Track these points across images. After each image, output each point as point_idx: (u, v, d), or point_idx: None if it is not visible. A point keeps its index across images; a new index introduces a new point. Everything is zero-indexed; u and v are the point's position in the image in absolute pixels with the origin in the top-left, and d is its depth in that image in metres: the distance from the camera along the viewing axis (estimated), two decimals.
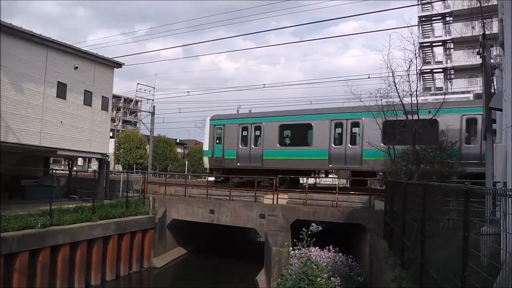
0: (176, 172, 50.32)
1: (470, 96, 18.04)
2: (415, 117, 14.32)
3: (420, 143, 15.23)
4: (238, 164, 23.29)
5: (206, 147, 25.04)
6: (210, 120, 25.25)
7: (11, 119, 16.80)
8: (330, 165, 20.77)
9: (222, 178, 25.29)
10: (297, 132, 22.49)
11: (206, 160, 25.18)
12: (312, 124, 21.31)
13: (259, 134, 22.97)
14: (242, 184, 22.18)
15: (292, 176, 22.90)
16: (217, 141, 24.33)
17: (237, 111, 33.33)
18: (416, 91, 14.99)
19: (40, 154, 21.73)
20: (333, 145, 20.52)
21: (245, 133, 23.42)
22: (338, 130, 20.54)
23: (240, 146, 23.41)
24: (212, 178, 28.51)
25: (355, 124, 20.03)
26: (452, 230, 5.72)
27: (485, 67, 10.69)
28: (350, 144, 19.99)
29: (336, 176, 27.67)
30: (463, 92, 26.56)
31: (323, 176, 25.83)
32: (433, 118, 15.46)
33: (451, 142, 15.95)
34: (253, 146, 22.96)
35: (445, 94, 17.26)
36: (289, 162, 21.58)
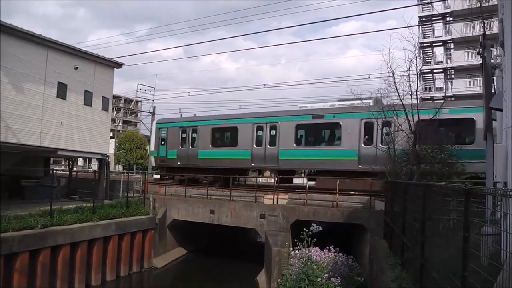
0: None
1: (370, 101, 19.47)
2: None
3: (323, 144, 21.04)
4: (179, 163, 25.54)
5: (152, 147, 27.87)
6: (156, 123, 28.29)
7: (11, 119, 16.82)
8: (253, 164, 22.67)
9: (167, 176, 27.32)
10: (226, 134, 25.03)
11: (152, 159, 28.15)
12: (238, 127, 23.32)
13: (195, 136, 25.20)
14: (182, 182, 23.89)
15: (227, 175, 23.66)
16: (162, 142, 26.74)
17: (181, 115, 36.10)
18: (417, 91, 14.99)
19: (40, 155, 21.75)
20: (255, 146, 22.51)
21: (184, 135, 25.67)
22: (260, 132, 22.56)
23: (180, 147, 25.63)
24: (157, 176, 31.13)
25: (273, 127, 22.05)
26: (453, 230, 5.72)
27: (485, 67, 10.68)
28: (269, 145, 22.01)
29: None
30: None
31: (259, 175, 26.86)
32: (337, 121, 20.15)
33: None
34: (190, 147, 25.20)
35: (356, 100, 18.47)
36: (220, 162, 23.69)
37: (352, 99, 19.13)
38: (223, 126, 24.58)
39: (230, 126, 24.11)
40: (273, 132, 22.09)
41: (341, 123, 20.19)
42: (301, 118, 21.34)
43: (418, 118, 13.93)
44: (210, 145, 24.33)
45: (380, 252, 11.31)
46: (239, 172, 24.18)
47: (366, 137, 19.19)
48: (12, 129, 16.85)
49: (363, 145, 19.18)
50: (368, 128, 19.07)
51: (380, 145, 17.81)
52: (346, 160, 19.28)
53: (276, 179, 21.01)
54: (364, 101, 18.27)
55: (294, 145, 21.36)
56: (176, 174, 25.88)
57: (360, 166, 18.93)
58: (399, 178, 13.69)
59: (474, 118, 16.29)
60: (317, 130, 21.63)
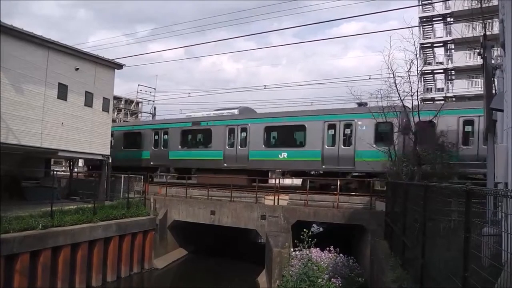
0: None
1: (236, 111, 25.64)
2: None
3: (201, 147, 25.28)
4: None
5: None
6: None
7: (12, 120, 16.82)
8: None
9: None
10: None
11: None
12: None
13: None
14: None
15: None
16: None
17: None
18: (417, 91, 15.01)
19: (40, 156, 21.75)
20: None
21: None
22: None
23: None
24: None
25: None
26: (453, 231, 5.71)
27: (486, 67, 10.67)
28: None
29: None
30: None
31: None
32: (209, 127, 24.77)
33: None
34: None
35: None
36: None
37: (222, 109, 26.41)
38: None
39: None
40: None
41: (211, 129, 24.60)
42: (184, 125, 26.18)
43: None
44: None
45: (381, 252, 11.30)
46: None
47: (230, 141, 23.78)
48: (13, 130, 16.86)
49: (227, 147, 23.76)
50: (232, 133, 23.76)
51: (239, 147, 23.23)
52: (216, 160, 23.93)
53: (276, 181, 21.11)
54: (229, 111, 25.45)
55: (179, 147, 25.86)
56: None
57: (225, 165, 23.59)
58: (399, 179, 13.69)
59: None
60: (196, 134, 26.41)
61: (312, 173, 22.92)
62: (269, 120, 23.41)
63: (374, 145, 18.17)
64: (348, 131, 20.16)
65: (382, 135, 19.27)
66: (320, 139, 20.70)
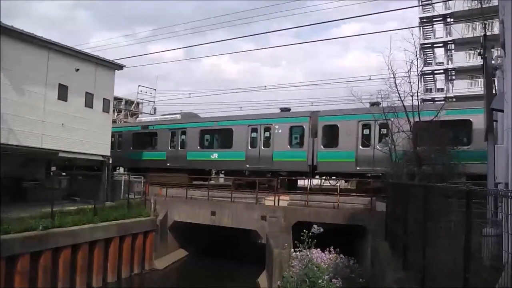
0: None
1: (178, 115, 29.21)
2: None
3: (149, 148, 28.14)
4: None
5: None
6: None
7: (12, 121, 16.81)
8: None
9: None
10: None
11: None
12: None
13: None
14: None
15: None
16: None
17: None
18: (418, 92, 15.01)
19: (41, 156, 21.73)
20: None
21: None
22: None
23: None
24: None
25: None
26: (454, 231, 5.71)
27: (486, 68, 10.68)
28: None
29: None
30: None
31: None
32: (155, 131, 27.81)
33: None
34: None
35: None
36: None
37: (167, 115, 30.63)
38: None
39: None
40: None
41: (157, 132, 27.75)
42: (135, 128, 29.57)
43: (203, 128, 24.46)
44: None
45: (382, 253, 11.29)
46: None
47: (173, 143, 26.67)
48: (13, 131, 16.85)
49: (169, 148, 26.71)
50: (174, 135, 26.71)
51: (179, 149, 26.19)
52: (161, 160, 26.56)
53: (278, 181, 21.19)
54: (173, 115, 29.47)
55: (131, 148, 28.84)
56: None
57: (168, 164, 26.17)
58: (400, 180, 13.68)
59: None
60: (146, 137, 28.99)
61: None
62: (204, 124, 26.16)
63: (289, 146, 21.90)
64: (267, 134, 22.76)
65: (297, 137, 22.30)
66: (245, 141, 23.21)
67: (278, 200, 18.76)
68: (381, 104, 18.27)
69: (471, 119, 16.91)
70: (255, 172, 22.81)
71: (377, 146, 19.05)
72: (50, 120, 18.65)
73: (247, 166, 23.08)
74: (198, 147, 25.46)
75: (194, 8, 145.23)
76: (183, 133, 26.39)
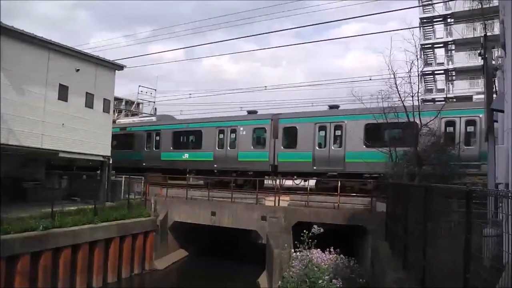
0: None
1: (154, 118, 31.11)
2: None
3: (127, 148, 28.43)
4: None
5: None
6: None
7: (13, 121, 16.81)
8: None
9: None
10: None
11: None
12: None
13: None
14: None
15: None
16: None
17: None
18: (418, 92, 15.00)
19: (41, 157, 21.74)
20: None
21: None
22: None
23: None
24: None
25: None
26: (454, 232, 5.71)
27: (486, 68, 10.67)
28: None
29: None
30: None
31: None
32: (132, 132, 29.15)
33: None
34: None
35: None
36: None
37: (145, 117, 33.46)
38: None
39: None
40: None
41: (134, 134, 29.36)
42: (115, 130, 27.96)
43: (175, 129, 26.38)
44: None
45: (382, 253, 11.29)
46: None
47: (148, 144, 28.32)
48: (14, 131, 16.84)
49: (145, 149, 28.28)
50: (149, 137, 28.26)
51: (154, 149, 27.67)
52: (138, 160, 27.71)
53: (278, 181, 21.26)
54: (149, 118, 31.91)
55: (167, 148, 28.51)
56: None
57: (144, 164, 27.45)
58: (401, 180, 13.67)
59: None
60: (124, 138, 29.55)
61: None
62: (176, 126, 27.86)
63: (252, 147, 23.39)
64: (233, 135, 24.23)
65: (259, 138, 23.65)
66: (213, 142, 24.70)
67: (279, 200, 18.75)
68: (339, 107, 22.29)
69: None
70: (223, 172, 24.03)
71: (332, 147, 20.77)
72: (50, 120, 18.65)
73: (215, 166, 24.37)
74: (171, 148, 26.87)
75: (194, 8, 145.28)
76: (158, 134, 27.96)
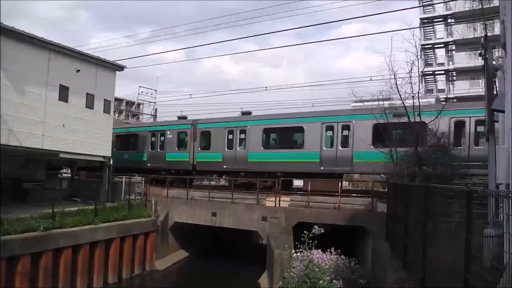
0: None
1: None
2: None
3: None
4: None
5: None
6: None
7: (13, 122, 16.83)
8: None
9: None
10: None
11: None
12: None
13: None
14: None
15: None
16: None
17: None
18: (418, 93, 14.98)
19: (42, 157, 21.75)
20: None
21: None
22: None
23: None
24: None
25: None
26: (455, 232, 5.70)
27: (487, 68, 10.66)
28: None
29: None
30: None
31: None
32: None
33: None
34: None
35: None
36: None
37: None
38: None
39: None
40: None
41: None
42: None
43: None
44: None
45: (382, 254, 11.28)
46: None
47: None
48: (14, 131, 16.86)
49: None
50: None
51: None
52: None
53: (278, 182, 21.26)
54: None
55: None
56: None
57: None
58: (401, 180, 13.66)
59: None
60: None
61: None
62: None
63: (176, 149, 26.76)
64: (162, 138, 27.81)
65: (182, 141, 26.86)
66: (148, 144, 28.16)
67: (279, 201, 18.74)
68: (252, 113, 26.36)
69: None
70: (154, 170, 26.82)
71: (237, 148, 24.01)
72: (51, 121, 18.67)
73: (148, 165, 27.74)
74: (114, 149, 28.16)
75: (194, 9, 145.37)
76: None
